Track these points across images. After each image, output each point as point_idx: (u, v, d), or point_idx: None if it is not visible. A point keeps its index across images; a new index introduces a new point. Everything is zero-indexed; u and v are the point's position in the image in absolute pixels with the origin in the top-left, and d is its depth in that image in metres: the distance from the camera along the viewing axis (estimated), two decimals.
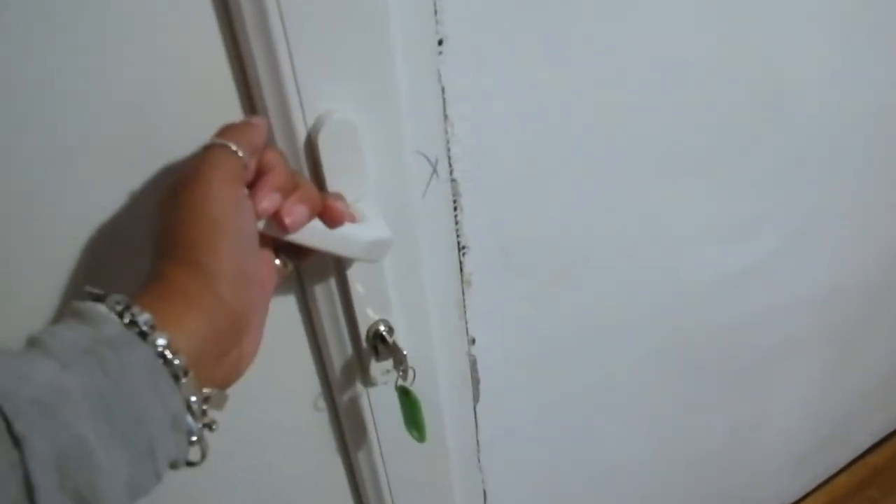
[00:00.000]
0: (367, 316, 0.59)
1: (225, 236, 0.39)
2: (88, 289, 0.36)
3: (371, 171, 0.52)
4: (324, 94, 0.48)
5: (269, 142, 0.47)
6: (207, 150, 0.41)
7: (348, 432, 0.68)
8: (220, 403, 0.39)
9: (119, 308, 0.35)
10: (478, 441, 0.80)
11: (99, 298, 0.35)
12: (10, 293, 0.46)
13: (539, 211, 0.68)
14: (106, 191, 0.47)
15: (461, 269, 0.66)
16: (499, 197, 0.64)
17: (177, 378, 0.34)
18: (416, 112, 0.55)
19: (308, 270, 0.55)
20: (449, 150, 0.59)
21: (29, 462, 0.28)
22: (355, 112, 0.50)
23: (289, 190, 0.44)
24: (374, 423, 0.66)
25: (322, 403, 0.66)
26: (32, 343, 0.33)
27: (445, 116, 0.57)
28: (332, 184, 0.50)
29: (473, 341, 0.72)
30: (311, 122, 0.48)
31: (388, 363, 0.60)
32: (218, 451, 0.62)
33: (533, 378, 0.81)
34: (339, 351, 0.61)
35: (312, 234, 0.46)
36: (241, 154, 0.41)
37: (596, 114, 0.65)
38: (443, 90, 0.56)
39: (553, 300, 0.76)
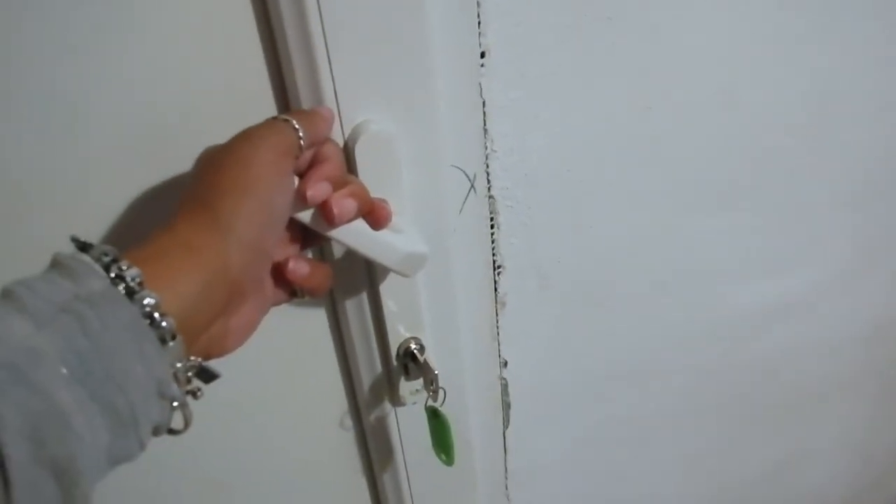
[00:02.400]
0: (398, 333, 0.57)
1: (255, 199, 0.37)
2: (74, 237, 0.34)
3: (407, 183, 0.51)
4: (362, 103, 0.47)
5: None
6: (269, 120, 0.41)
7: (374, 452, 0.66)
8: (207, 378, 0.37)
9: (106, 260, 0.32)
10: (506, 468, 0.78)
11: (85, 248, 0.33)
12: None
13: (577, 234, 0.66)
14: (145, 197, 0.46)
15: (496, 289, 0.65)
16: (537, 217, 0.63)
17: (163, 341, 0.32)
18: (456, 126, 0.54)
19: (340, 283, 0.54)
20: (487, 166, 0.58)
21: (2, 431, 0.26)
22: (393, 123, 0.49)
23: (340, 183, 0.43)
24: (402, 444, 0.65)
25: (349, 422, 0.64)
26: (5, 295, 0.30)
27: (485, 131, 0.56)
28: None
29: (506, 364, 0.70)
30: (348, 131, 0.48)
31: (418, 383, 0.59)
32: (240, 465, 0.61)
33: (565, 407, 0.79)
34: (369, 368, 0.59)
35: (355, 235, 0.45)
36: (300, 133, 0.41)
37: (637, 138, 0.63)
38: (483, 104, 0.55)
39: (587, 327, 0.74)
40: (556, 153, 0.60)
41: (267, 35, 0.46)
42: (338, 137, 0.47)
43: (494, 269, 0.63)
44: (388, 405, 0.62)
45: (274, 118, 0.42)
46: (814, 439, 1.10)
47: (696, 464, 0.99)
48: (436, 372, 0.56)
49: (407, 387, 0.60)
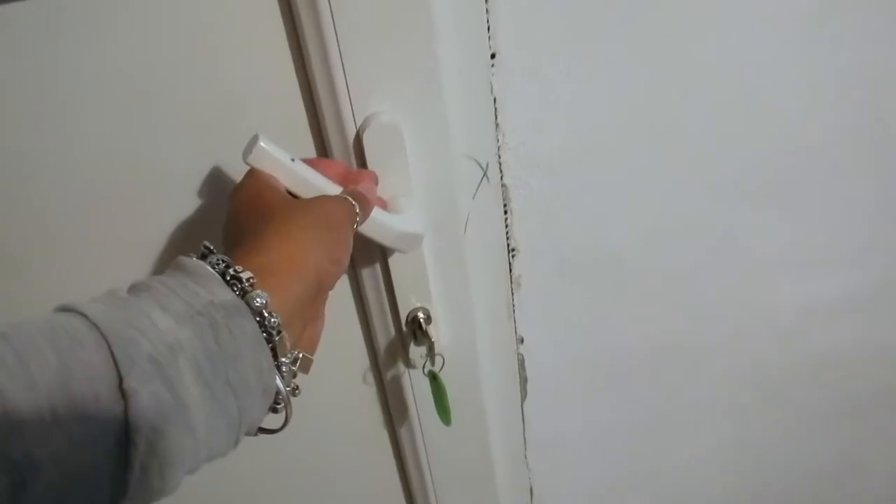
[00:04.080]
0: (409, 302, 0.64)
1: (338, 237, 0.45)
2: (205, 244, 0.38)
3: (414, 170, 0.57)
4: (373, 97, 0.54)
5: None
6: (339, 198, 0.48)
7: (392, 408, 0.73)
8: (305, 367, 0.42)
9: (220, 267, 0.36)
10: (524, 438, 0.83)
11: (204, 255, 0.37)
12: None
13: (597, 224, 0.70)
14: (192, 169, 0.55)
15: (510, 271, 0.70)
16: (553, 205, 0.67)
17: (271, 336, 0.35)
18: (468, 119, 0.59)
19: (357, 253, 0.61)
20: (500, 156, 0.63)
21: (134, 419, 0.29)
22: (401, 115, 0.55)
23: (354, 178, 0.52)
24: (415, 403, 0.72)
25: (370, 378, 0.72)
26: (145, 290, 0.33)
27: (497, 125, 0.61)
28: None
29: (522, 340, 0.75)
30: (359, 121, 0.54)
31: (425, 348, 0.65)
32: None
33: (588, 387, 0.83)
34: (384, 331, 0.66)
35: None
36: (357, 210, 0.47)
37: (659, 132, 0.66)
38: (494, 100, 0.60)
39: (612, 313, 0.77)
40: (571, 147, 0.64)
41: (293, 36, 0.53)
42: (350, 127, 0.54)
43: (509, 252, 0.69)
44: (402, 366, 0.69)
45: (338, 195, 0.48)
46: (864, 450, 1.08)
47: (732, 460, 1.00)
48: (433, 340, 0.62)
49: (416, 351, 0.66)
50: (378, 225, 0.53)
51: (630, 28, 0.60)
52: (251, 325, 0.34)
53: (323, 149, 0.58)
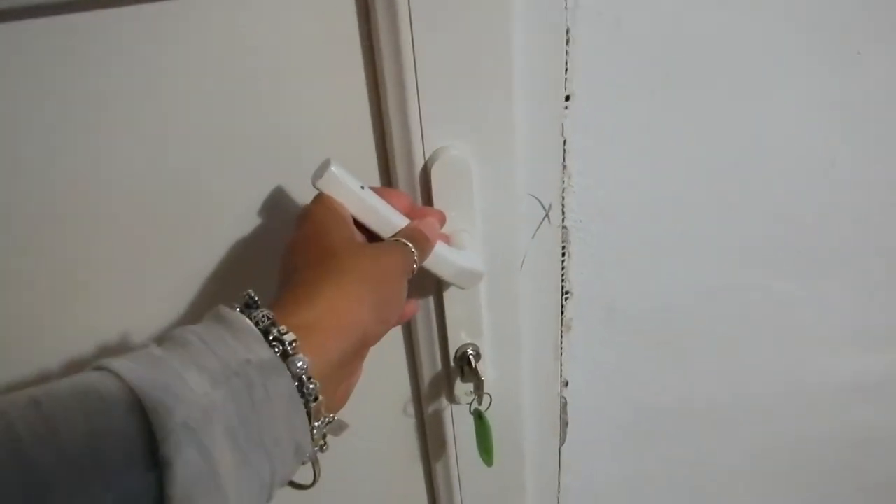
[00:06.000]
0: (459, 338, 0.63)
1: (388, 294, 0.44)
2: (248, 293, 0.37)
3: (479, 206, 0.57)
4: (444, 131, 0.54)
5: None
6: (396, 243, 0.47)
7: (430, 442, 0.72)
8: (337, 430, 0.41)
9: (265, 324, 0.35)
10: (559, 483, 0.82)
11: (249, 306, 0.37)
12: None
13: (650, 277, 0.69)
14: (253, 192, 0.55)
15: (562, 314, 0.69)
16: (609, 253, 0.66)
17: (308, 401, 0.35)
18: (536, 159, 0.59)
19: (412, 284, 0.61)
20: (563, 198, 0.62)
21: (168, 487, 0.28)
22: (470, 151, 0.55)
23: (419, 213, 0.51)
24: (455, 439, 0.70)
25: (411, 410, 0.71)
26: (182, 345, 0.33)
27: (564, 167, 0.60)
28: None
29: (567, 384, 0.74)
30: (428, 153, 0.54)
31: (472, 386, 0.64)
32: None
33: (625, 439, 0.81)
34: (431, 365, 0.66)
35: None
36: (415, 256, 0.47)
37: (721, 193, 0.65)
38: (564, 142, 0.59)
39: (655, 368, 0.76)
40: (633, 198, 0.64)
41: (370, 62, 0.53)
42: (419, 159, 0.54)
43: (562, 295, 0.68)
44: (444, 401, 0.68)
45: (398, 241, 0.47)
46: None
47: None
48: (482, 378, 0.61)
49: (462, 387, 0.65)
50: (440, 259, 0.53)
51: (708, 83, 0.59)
52: (288, 385, 0.34)
53: (388, 178, 0.58)
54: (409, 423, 0.72)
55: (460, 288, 0.57)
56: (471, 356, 0.63)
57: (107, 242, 0.54)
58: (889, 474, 0.94)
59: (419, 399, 0.70)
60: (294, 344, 0.35)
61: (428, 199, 0.56)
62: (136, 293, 0.56)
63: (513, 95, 0.53)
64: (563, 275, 0.66)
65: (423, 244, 0.49)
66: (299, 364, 0.35)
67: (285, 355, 0.35)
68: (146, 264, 0.55)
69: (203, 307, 0.56)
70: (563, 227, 0.64)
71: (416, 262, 0.47)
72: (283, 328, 0.35)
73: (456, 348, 0.63)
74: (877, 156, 0.67)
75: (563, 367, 0.73)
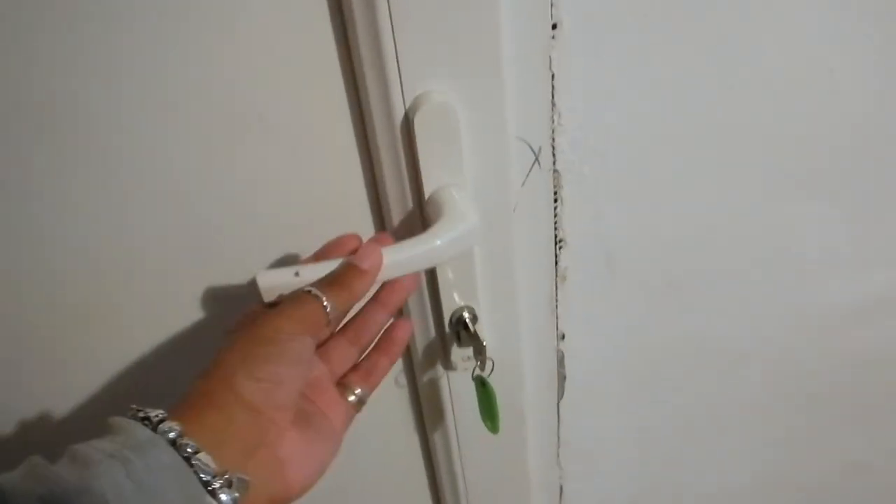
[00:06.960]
0: (453, 301, 0.58)
1: (277, 367, 0.41)
2: (133, 407, 0.38)
3: (468, 156, 0.51)
4: (425, 73, 0.47)
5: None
6: (301, 294, 0.44)
7: (426, 412, 0.68)
8: (241, 488, 0.38)
9: (131, 412, 0.37)
10: (558, 437, 0.79)
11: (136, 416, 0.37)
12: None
13: (649, 217, 0.64)
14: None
15: (556, 263, 0.64)
16: (605, 196, 0.61)
17: (189, 459, 0.35)
18: (522, 98, 0.53)
19: None
20: (553, 140, 0.57)
21: None
22: (456, 94, 0.48)
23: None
24: (452, 407, 0.66)
25: (403, 380, 0.66)
26: (66, 453, 0.34)
27: (553, 105, 0.55)
28: (426, 168, 0.50)
29: (563, 337, 0.70)
30: (409, 101, 0.48)
31: (469, 350, 0.60)
32: None
33: (626, 388, 0.78)
34: (423, 331, 0.61)
35: (398, 266, 0.47)
36: (328, 309, 0.43)
37: (720, 119, 0.60)
38: (552, 77, 0.54)
39: (658, 313, 0.72)
40: (628, 133, 0.58)
41: (336, 5, 0.46)
42: (398, 108, 0.48)
43: (556, 244, 0.63)
44: (440, 368, 0.63)
45: (306, 292, 0.43)
46: None
47: (768, 458, 0.96)
48: (484, 343, 0.56)
49: (458, 353, 0.61)
50: (400, 265, 0.47)
51: (703, 14, 0.54)
52: (167, 454, 0.35)
53: (364, 135, 0.51)
54: (402, 394, 0.68)
55: (454, 258, 0.51)
56: (467, 320, 0.58)
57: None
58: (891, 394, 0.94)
59: (411, 369, 0.65)
60: (159, 416, 0.37)
61: (412, 155, 0.50)
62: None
63: (500, 25, 0.47)
64: (556, 222, 0.62)
65: (337, 289, 0.44)
66: (170, 433, 0.36)
67: (155, 427, 0.36)
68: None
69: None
70: (555, 170, 0.59)
71: (327, 308, 0.43)
72: (149, 410, 0.37)
73: (451, 312, 0.58)
74: (876, 69, 0.63)
75: (558, 320, 0.69)
